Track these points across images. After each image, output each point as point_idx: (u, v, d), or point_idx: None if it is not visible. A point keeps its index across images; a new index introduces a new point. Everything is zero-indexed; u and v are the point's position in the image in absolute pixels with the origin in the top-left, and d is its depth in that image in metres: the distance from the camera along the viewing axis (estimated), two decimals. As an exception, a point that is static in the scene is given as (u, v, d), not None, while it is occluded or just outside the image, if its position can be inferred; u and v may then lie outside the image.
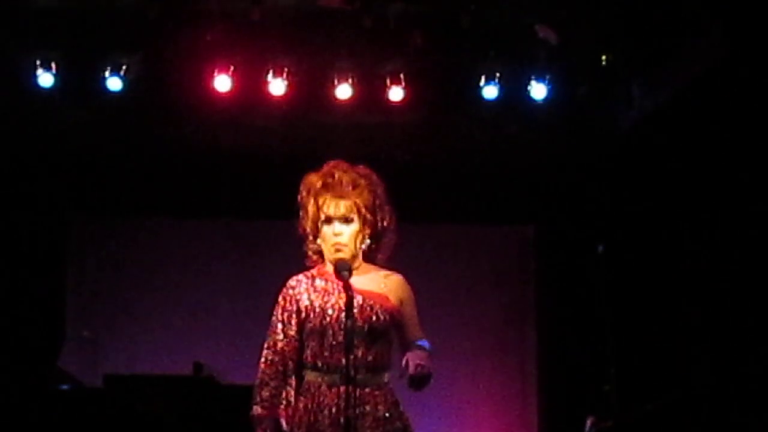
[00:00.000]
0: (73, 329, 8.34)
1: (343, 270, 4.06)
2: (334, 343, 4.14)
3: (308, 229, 4.25)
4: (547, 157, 8.36)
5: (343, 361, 4.03)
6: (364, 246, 4.24)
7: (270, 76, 7.69)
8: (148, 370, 7.83)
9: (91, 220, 8.70)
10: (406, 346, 4.23)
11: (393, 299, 4.24)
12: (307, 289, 4.23)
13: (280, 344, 4.20)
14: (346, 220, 4.20)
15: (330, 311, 4.18)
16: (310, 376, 4.17)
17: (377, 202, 4.25)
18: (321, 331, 4.17)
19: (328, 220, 4.20)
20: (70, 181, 8.38)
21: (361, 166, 4.30)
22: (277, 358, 4.18)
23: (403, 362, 4.03)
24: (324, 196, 4.21)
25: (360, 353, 4.08)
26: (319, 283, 4.23)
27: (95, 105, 7.79)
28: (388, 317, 4.19)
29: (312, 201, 4.23)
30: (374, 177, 4.29)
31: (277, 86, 7.69)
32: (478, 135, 8.17)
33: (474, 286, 8.83)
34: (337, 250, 4.19)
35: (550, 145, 8.25)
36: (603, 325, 7.50)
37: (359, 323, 4.10)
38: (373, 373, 4.16)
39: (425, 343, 4.18)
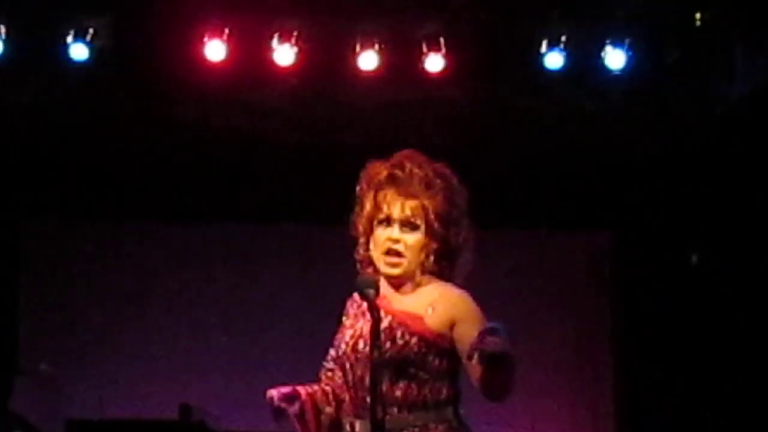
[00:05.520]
0: (27, 361, 8.41)
1: (368, 288, 3.99)
2: (354, 379, 4.17)
3: (361, 229, 4.24)
4: (626, 143, 8.41)
5: (368, 399, 4.02)
6: (426, 263, 4.20)
7: (275, 42, 7.80)
8: (122, 414, 8.04)
9: (49, 225, 8.81)
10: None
11: (435, 320, 4.16)
12: (355, 311, 4.27)
13: (320, 375, 4.28)
14: (410, 225, 4.19)
15: (348, 338, 4.21)
16: (355, 425, 4.19)
17: (453, 212, 4.22)
18: (341, 364, 4.21)
19: (387, 221, 4.19)
20: (23, 175, 8.47)
21: (440, 163, 4.26)
22: (318, 387, 4.26)
23: (471, 345, 3.97)
24: (386, 191, 4.19)
25: (384, 388, 4.02)
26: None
27: (55, 78, 7.90)
28: (414, 341, 4.13)
29: (371, 195, 4.21)
30: (455, 180, 4.25)
31: (283, 54, 7.79)
32: (539, 116, 8.20)
33: (534, 309, 8.82)
34: (391, 264, 4.16)
35: (630, 128, 8.28)
36: (698, 357, 8.24)
37: (384, 351, 4.05)
38: (410, 412, 4.12)
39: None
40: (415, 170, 4.19)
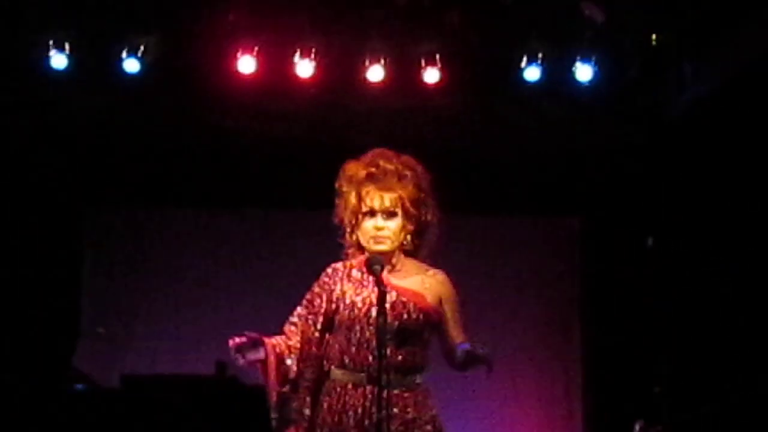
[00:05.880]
0: (89, 326, 8.75)
1: (376, 264, 4.25)
2: (361, 339, 4.38)
3: (346, 221, 4.50)
4: (593, 144, 8.60)
5: (370, 359, 4.30)
6: (406, 242, 4.47)
7: (297, 57, 8.00)
8: (168, 369, 8.20)
9: (108, 211, 9.10)
10: (447, 349, 4.48)
11: (431, 298, 4.45)
12: (341, 279, 4.48)
13: (288, 326, 4.48)
14: (390, 214, 4.43)
15: (360, 304, 4.40)
16: (335, 374, 4.41)
17: (422, 195, 4.46)
18: (348, 325, 4.40)
19: (371, 213, 4.43)
20: (85, 170, 8.72)
21: (406, 156, 4.52)
22: (281, 339, 4.44)
23: (460, 351, 4.28)
24: (367, 188, 4.43)
25: (389, 352, 4.20)
26: (355, 274, 4.47)
27: (111, 88, 8.09)
28: (421, 316, 4.40)
29: (353, 192, 4.45)
30: (420, 168, 4.51)
31: (304, 68, 8.02)
32: (519, 120, 8.41)
33: (514, 283, 9.10)
34: (378, 242, 4.42)
35: (596, 131, 8.50)
36: (653, 324, 8.38)
37: (390, 321, 4.26)
38: (403, 374, 4.39)
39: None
40: (388, 166, 4.43)
